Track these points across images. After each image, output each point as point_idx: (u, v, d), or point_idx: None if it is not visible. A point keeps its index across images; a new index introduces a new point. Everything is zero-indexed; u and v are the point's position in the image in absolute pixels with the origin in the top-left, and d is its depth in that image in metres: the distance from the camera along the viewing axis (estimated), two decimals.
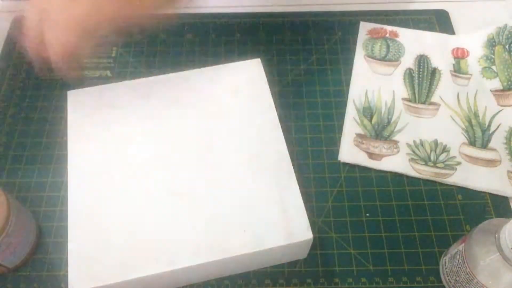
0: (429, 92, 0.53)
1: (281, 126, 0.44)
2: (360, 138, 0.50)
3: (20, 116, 0.53)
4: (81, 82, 0.48)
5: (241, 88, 0.47)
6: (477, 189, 0.47)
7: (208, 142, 0.44)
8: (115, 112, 0.46)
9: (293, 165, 0.49)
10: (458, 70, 0.55)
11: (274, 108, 0.46)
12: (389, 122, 0.51)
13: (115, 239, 0.39)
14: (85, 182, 0.42)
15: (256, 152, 0.43)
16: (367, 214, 0.46)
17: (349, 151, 0.49)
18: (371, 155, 0.49)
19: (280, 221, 0.40)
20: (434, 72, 0.55)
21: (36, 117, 0.52)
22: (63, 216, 0.46)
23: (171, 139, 0.44)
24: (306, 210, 0.46)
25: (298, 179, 0.48)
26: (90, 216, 0.40)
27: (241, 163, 0.43)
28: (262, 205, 0.40)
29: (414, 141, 0.50)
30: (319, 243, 0.45)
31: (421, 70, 0.55)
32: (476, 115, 0.51)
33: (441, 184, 0.48)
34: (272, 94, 0.47)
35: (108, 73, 0.55)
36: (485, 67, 0.54)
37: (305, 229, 0.39)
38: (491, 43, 0.54)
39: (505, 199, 0.47)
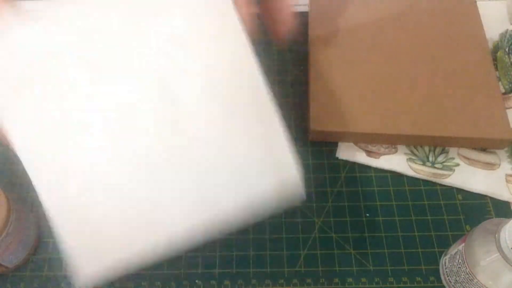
0: None
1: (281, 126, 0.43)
2: None
3: None
4: None
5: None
6: (474, 191, 0.47)
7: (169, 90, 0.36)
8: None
9: None
10: None
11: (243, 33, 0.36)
12: None
13: (103, 213, 0.35)
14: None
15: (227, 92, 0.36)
16: (367, 214, 0.46)
17: (348, 149, 0.49)
18: (369, 153, 0.49)
19: (264, 163, 0.34)
20: None
21: None
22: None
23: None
24: (306, 210, 0.46)
25: None
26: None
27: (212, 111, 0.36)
28: (241, 151, 0.35)
29: None
30: (319, 243, 0.45)
31: None
32: None
33: (441, 184, 0.48)
34: (273, 94, 0.45)
35: None
36: None
37: (292, 166, 0.34)
38: (496, 50, 0.54)
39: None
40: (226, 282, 0.43)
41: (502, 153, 0.49)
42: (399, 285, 0.43)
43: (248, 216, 0.37)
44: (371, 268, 0.43)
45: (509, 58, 0.52)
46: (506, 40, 0.54)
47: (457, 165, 0.48)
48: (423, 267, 0.43)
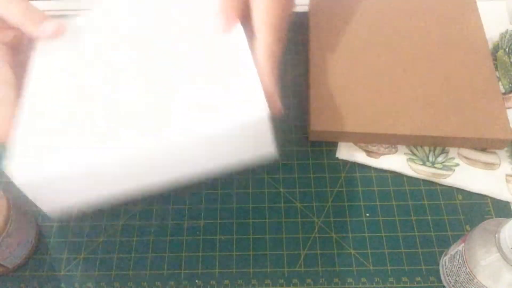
0: None
1: (281, 127, 0.43)
2: None
3: None
4: None
5: None
6: (474, 191, 0.47)
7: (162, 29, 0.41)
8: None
9: (293, 164, 0.49)
10: None
11: None
12: None
13: (65, 125, 0.37)
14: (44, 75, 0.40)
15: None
16: (367, 214, 0.46)
17: (348, 149, 0.49)
18: (369, 153, 0.49)
19: (228, 100, 0.35)
20: None
21: None
22: (63, 216, 0.46)
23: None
24: (306, 210, 0.46)
25: (298, 178, 0.48)
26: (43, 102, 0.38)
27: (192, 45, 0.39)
28: (210, 86, 0.36)
29: None
30: (319, 243, 0.45)
31: None
32: None
33: (441, 184, 0.48)
34: None
35: None
36: None
37: (257, 106, 0.33)
38: (496, 50, 0.54)
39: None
40: (226, 282, 0.43)
41: (502, 153, 0.49)
42: (399, 285, 0.43)
43: (209, 159, 0.36)
44: (371, 268, 0.43)
45: (509, 58, 0.52)
46: (506, 40, 0.54)
47: (457, 165, 0.48)
48: (423, 267, 0.43)
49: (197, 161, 0.37)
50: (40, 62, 0.42)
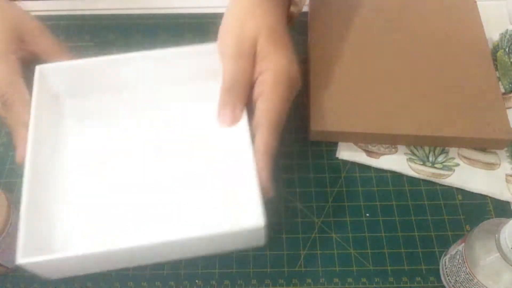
0: None
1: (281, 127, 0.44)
2: None
3: None
4: None
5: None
6: (474, 191, 0.47)
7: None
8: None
9: (293, 165, 0.49)
10: None
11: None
12: None
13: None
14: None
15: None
16: (367, 214, 0.46)
17: (348, 149, 0.49)
18: (369, 153, 0.49)
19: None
20: None
21: None
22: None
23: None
24: (306, 210, 0.46)
25: (298, 178, 0.48)
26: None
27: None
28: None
29: None
30: (319, 243, 0.45)
31: None
32: None
33: (441, 184, 0.48)
34: None
35: None
36: None
37: (256, 216, 0.37)
38: (496, 50, 0.54)
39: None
40: (226, 282, 0.43)
41: (502, 153, 0.49)
42: (399, 285, 0.43)
43: (204, 250, 0.42)
44: (371, 268, 0.43)
45: (509, 58, 0.52)
46: (506, 40, 0.54)
47: (457, 165, 0.48)
48: (423, 267, 0.43)
49: (195, 250, 0.41)
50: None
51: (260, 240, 0.40)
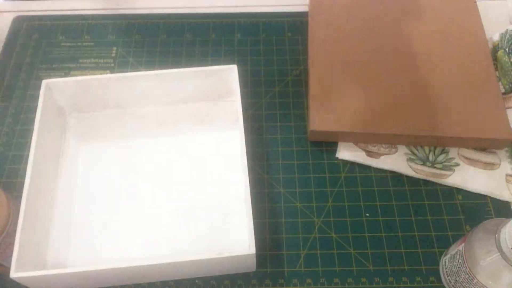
0: None
1: (282, 127, 0.44)
2: None
3: (20, 116, 0.53)
4: None
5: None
6: (474, 191, 0.47)
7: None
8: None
9: (293, 165, 0.49)
10: None
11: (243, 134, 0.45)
12: None
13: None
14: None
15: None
16: (367, 214, 0.46)
17: (348, 149, 0.49)
18: (369, 153, 0.49)
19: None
20: None
21: None
22: None
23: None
24: (306, 210, 0.46)
25: (298, 179, 0.48)
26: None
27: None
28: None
29: None
30: (319, 243, 0.45)
31: None
32: None
33: (441, 184, 0.48)
34: (272, 94, 0.47)
35: (108, 73, 0.55)
36: None
37: (247, 245, 0.40)
38: (496, 50, 0.54)
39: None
40: (226, 282, 0.43)
41: (502, 153, 0.49)
42: (399, 285, 0.43)
43: (196, 272, 0.43)
44: (371, 268, 0.43)
45: (509, 58, 0.52)
46: (506, 40, 0.54)
47: (457, 165, 0.48)
48: (423, 267, 0.43)
49: (186, 272, 0.42)
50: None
51: (251, 266, 0.42)
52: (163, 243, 0.44)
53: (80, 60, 0.57)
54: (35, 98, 0.54)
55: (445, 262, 0.41)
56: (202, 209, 0.45)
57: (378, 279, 0.43)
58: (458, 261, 0.38)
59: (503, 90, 0.52)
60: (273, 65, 0.56)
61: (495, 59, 0.54)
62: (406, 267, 0.43)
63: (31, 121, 0.52)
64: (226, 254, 0.38)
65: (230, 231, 0.44)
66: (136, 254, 0.43)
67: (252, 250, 0.38)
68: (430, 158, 0.49)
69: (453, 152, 0.49)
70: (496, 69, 0.53)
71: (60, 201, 0.45)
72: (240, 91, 0.47)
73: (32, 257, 0.40)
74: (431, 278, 0.43)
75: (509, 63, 0.52)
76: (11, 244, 0.40)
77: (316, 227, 0.45)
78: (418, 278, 0.43)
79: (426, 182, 0.48)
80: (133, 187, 0.46)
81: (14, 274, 0.37)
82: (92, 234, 0.44)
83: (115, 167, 0.47)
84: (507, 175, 0.48)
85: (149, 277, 0.42)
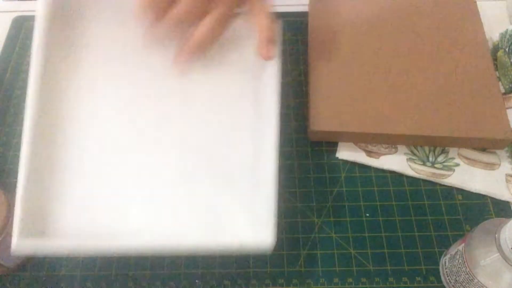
0: None
1: (282, 127, 0.44)
2: None
3: (20, 117, 0.52)
4: None
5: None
6: (474, 191, 0.47)
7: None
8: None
9: (293, 165, 0.49)
10: None
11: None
12: None
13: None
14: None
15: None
16: (367, 214, 0.46)
17: (348, 149, 0.49)
18: (369, 153, 0.49)
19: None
20: None
21: None
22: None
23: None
24: (306, 210, 0.46)
25: (298, 178, 0.48)
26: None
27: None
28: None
29: None
30: (319, 243, 0.45)
31: None
32: None
33: (441, 184, 0.48)
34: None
35: None
36: None
37: (265, 234, 0.36)
38: (496, 50, 0.54)
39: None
40: (226, 282, 0.43)
41: (502, 153, 0.49)
42: (399, 285, 0.43)
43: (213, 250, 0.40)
44: (371, 268, 0.43)
45: (509, 58, 0.52)
46: (506, 40, 0.54)
47: (457, 165, 0.48)
48: (423, 267, 0.43)
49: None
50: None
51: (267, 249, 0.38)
52: (162, 208, 0.39)
53: None
54: None
55: (445, 262, 0.41)
56: (213, 181, 0.40)
57: (378, 279, 0.43)
58: (458, 261, 0.38)
59: (503, 90, 0.52)
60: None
61: (495, 59, 0.54)
62: (406, 267, 0.43)
63: None
64: (228, 243, 0.35)
65: (245, 212, 0.39)
66: (135, 218, 0.39)
67: (269, 240, 0.34)
68: (430, 158, 0.49)
69: (453, 152, 0.49)
70: (496, 69, 0.53)
71: (58, 156, 0.41)
72: None
73: (34, 221, 0.38)
74: (431, 278, 0.43)
75: (509, 63, 0.52)
76: (11, 243, 0.40)
77: (316, 227, 0.45)
78: (418, 278, 0.43)
79: (426, 182, 0.48)
80: (139, 141, 0.42)
81: (16, 243, 0.36)
82: (89, 190, 0.40)
83: (119, 118, 0.43)
84: (507, 175, 0.48)
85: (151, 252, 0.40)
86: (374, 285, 0.43)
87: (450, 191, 0.47)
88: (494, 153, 0.49)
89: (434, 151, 0.49)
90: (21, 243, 0.36)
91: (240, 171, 0.40)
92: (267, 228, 0.36)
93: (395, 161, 0.49)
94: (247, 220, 0.38)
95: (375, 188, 0.48)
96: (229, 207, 0.39)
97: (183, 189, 0.40)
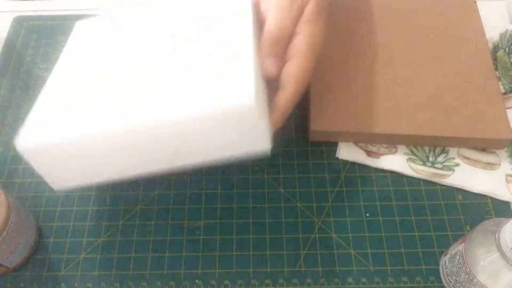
0: None
1: (282, 127, 0.44)
2: None
3: (20, 117, 0.53)
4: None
5: None
6: (474, 191, 0.47)
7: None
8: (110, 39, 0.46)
9: (293, 165, 0.49)
10: None
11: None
12: None
13: (74, 101, 0.39)
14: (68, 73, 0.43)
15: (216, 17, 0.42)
16: (367, 214, 0.46)
17: (348, 149, 0.49)
18: (369, 153, 0.49)
19: (216, 85, 0.35)
20: None
21: None
22: (63, 216, 0.46)
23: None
24: (306, 210, 0.46)
25: (298, 178, 0.48)
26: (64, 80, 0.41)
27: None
28: (205, 69, 0.37)
29: None
30: (319, 243, 0.45)
31: None
32: None
33: (441, 184, 0.48)
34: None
35: None
36: None
37: (244, 91, 0.33)
38: (496, 50, 0.54)
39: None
40: (226, 282, 0.43)
41: (502, 153, 0.49)
42: (399, 285, 0.43)
43: (199, 151, 0.37)
44: (371, 268, 0.43)
45: (509, 58, 0.52)
46: (506, 40, 0.54)
47: (457, 165, 0.48)
48: (423, 267, 0.43)
49: (192, 149, 0.37)
50: (69, 51, 0.46)
51: (261, 135, 0.35)
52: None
53: None
54: (36, 98, 0.54)
55: (445, 262, 0.41)
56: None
57: (378, 279, 0.43)
58: (458, 261, 0.38)
59: (503, 90, 0.52)
60: None
61: (495, 59, 0.54)
62: (406, 267, 0.43)
63: None
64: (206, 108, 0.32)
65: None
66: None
67: (250, 97, 0.32)
68: (430, 158, 0.49)
69: (453, 152, 0.49)
70: (496, 69, 0.53)
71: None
72: None
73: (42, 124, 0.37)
74: (431, 278, 0.43)
75: (509, 63, 0.52)
76: (11, 244, 0.41)
77: (316, 227, 0.45)
78: (418, 278, 0.43)
79: (426, 182, 0.48)
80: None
81: (23, 147, 0.35)
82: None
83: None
84: (507, 175, 0.48)
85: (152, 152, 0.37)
86: (374, 285, 0.43)
87: (450, 191, 0.47)
88: (494, 153, 0.49)
89: (434, 151, 0.49)
90: (26, 139, 0.35)
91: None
92: (247, 86, 0.33)
93: (395, 161, 0.49)
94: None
95: (375, 188, 0.48)
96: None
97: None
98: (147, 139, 0.36)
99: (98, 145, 0.36)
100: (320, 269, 0.43)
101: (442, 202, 0.47)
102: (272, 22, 0.40)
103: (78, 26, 0.49)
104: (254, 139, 0.36)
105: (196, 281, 0.43)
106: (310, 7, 0.41)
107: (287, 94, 0.40)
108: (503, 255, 0.33)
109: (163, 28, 0.44)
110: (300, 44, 0.40)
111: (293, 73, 0.40)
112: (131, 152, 0.37)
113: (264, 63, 0.40)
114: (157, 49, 0.42)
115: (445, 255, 0.42)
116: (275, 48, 0.40)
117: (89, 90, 0.40)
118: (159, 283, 0.43)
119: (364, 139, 0.49)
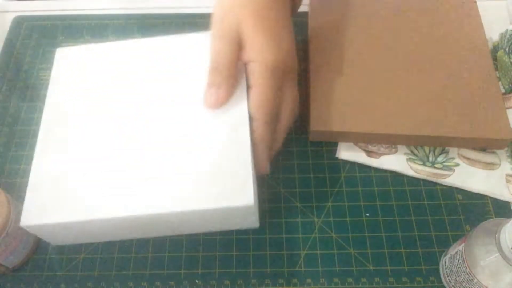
0: None
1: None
2: None
3: (20, 117, 0.53)
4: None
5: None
6: (474, 191, 0.47)
7: (170, 103, 0.44)
8: (95, 70, 0.47)
9: (293, 165, 0.49)
10: None
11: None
12: None
13: (74, 181, 0.41)
14: (57, 125, 0.44)
15: (214, 115, 0.43)
16: (367, 214, 0.46)
17: (348, 149, 0.49)
18: (369, 153, 0.49)
19: (218, 183, 0.39)
20: None
21: (36, 118, 0.52)
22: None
23: (139, 101, 0.45)
24: (306, 210, 0.46)
25: (298, 178, 0.48)
26: (55, 157, 0.42)
27: (198, 124, 0.43)
28: (206, 167, 0.40)
29: None
30: (319, 243, 0.45)
31: None
32: None
33: (441, 184, 0.48)
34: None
35: None
36: None
37: (245, 194, 0.37)
38: (496, 50, 0.54)
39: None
40: (226, 282, 0.43)
41: (502, 153, 0.49)
42: (399, 285, 0.43)
43: (194, 227, 0.43)
44: (371, 268, 0.43)
45: (509, 58, 0.52)
46: (506, 40, 0.54)
47: (457, 165, 0.48)
48: (423, 267, 0.43)
49: (187, 225, 0.42)
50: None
51: (254, 221, 0.40)
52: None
53: None
54: (35, 98, 0.54)
55: (445, 262, 0.41)
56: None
57: (378, 279, 0.43)
58: (458, 261, 0.38)
59: (503, 90, 0.52)
60: None
61: (495, 59, 0.54)
62: (406, 267, 0.43)
63: (32, 121, 0.52)
64: (213, 205, 0.36)
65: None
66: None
67: (250, 199, 0.36)
68: (430, 158, 0.49)
69: (453, 152, 0.49)
70: (496, 69, 0.53)
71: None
72: None
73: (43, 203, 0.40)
74: (431, 278, 0.43)
75: (509, 63, 0.52)
76: (11, 244, 0.41)
77: (316, 227, 0.45)
78: (418, 278, 0.43)
79: (426, 182, 0.48)
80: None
81: (24, 222, 0.38)
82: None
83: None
84: (507, 175, 0.48)
85: (142, 230, 0.42)
86: (374, 285, 0.43)
87: (450, 191, 0.47)
88: (494, 153, 0.49)
89: (434, 151, 0.49)
90: (28, 214, 0.38)
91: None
92: (246, 186, 0.37)
93: (395, 161, 0.49)
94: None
95: (375, 188, 0.48)
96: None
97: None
98: (148, 222, 0.40)
99: (98, 225, 0.40)
100: (320, 269, 0.43)
101: (442, 202, 0.47)
102: (210, 51, 0.41)
103: (60, 53, 0.49)
104: (248, 221, 0.42)
105: (196, 281, 0.43)
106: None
107: (257, 129, 0.41)
108: (503, 255, 0.33)
109: (157, 112, 0.44)
110: (253, 73, 0.41)
111: (253, 108, 0.41)
112: (131, 228, 0.41)
113: (206, 93, 0.42)
114: (152, 132, 0.43)
115: (445, 255, 0.42)
116: (215, 76, 0.41)
117: (85, 169, 0.42)
118: (159, 283, 0.43)
119: (364, 139, 0.49)
